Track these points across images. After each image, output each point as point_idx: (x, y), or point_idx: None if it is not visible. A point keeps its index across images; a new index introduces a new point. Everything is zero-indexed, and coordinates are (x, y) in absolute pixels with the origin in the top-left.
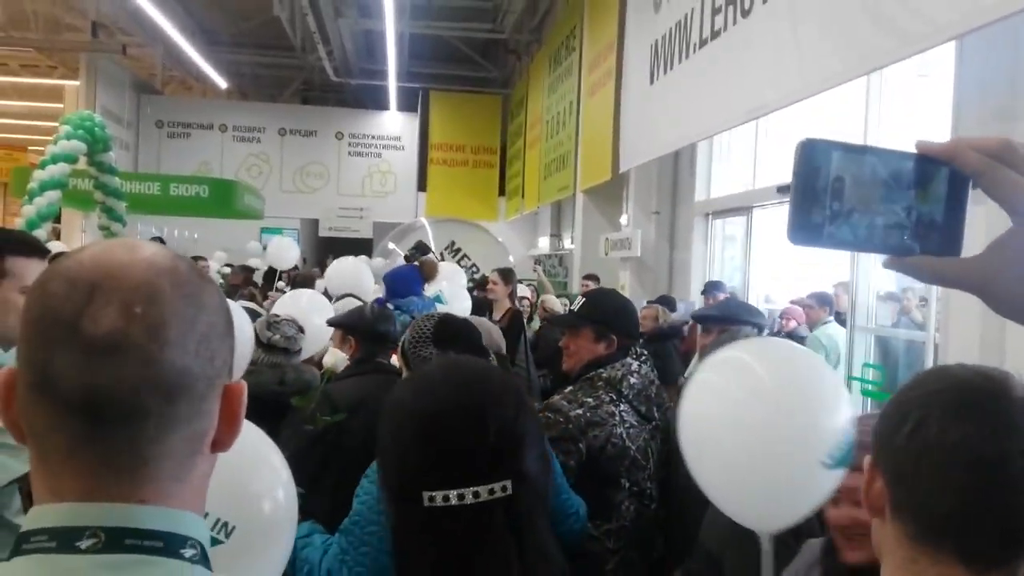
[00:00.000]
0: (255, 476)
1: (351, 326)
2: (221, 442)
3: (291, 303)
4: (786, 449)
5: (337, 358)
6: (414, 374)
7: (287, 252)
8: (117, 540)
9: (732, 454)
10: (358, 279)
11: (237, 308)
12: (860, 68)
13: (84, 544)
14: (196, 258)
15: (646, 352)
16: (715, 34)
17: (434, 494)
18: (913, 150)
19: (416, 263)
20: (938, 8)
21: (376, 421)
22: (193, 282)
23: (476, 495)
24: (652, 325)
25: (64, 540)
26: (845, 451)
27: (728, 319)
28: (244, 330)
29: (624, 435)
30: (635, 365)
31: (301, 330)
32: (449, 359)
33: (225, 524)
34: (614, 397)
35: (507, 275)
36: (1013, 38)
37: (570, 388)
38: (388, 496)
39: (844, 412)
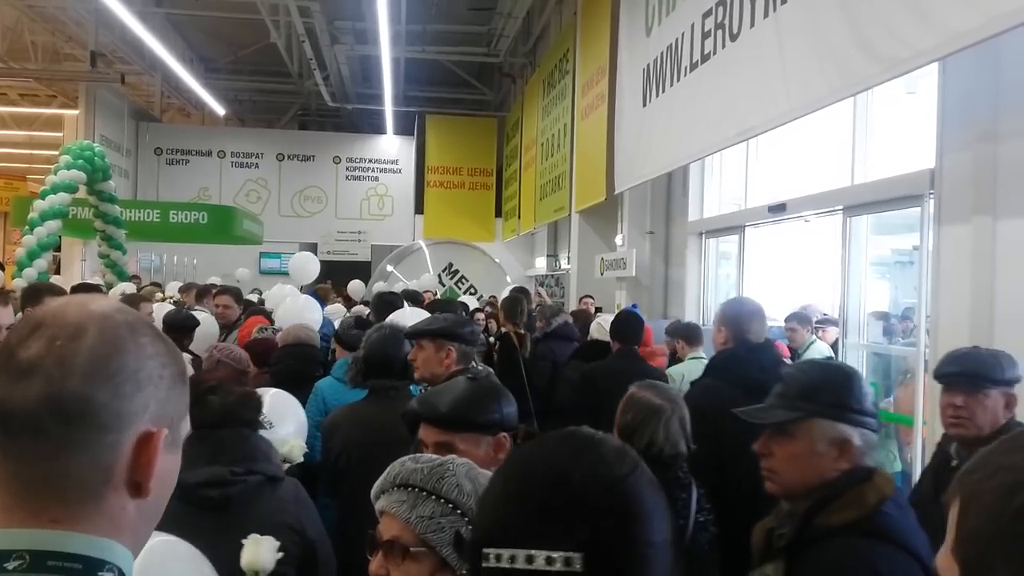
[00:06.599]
0: None
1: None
2: (138, 486)
3: (291, 306)
4: None
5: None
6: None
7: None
8: (40, 562)
9: None
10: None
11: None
12: (844, 91)
13: (11, 565)
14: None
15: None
16: (705, 58)
17: (490, 551)
18: None
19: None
20: (918, 34)
21: None
22: (121, 329)
23: (530, 559)
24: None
25: None
26: None
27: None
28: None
29: None
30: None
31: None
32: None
33: None
34: None
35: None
36: (995, 60)
37: None
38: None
39: None
